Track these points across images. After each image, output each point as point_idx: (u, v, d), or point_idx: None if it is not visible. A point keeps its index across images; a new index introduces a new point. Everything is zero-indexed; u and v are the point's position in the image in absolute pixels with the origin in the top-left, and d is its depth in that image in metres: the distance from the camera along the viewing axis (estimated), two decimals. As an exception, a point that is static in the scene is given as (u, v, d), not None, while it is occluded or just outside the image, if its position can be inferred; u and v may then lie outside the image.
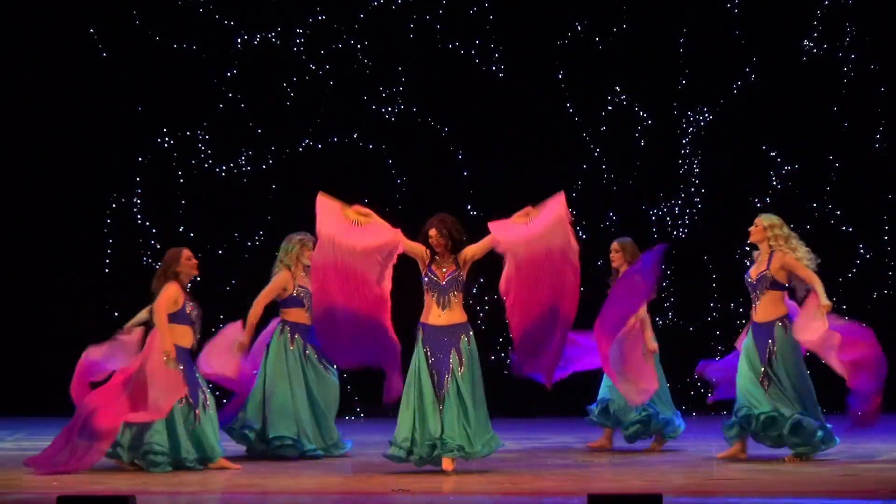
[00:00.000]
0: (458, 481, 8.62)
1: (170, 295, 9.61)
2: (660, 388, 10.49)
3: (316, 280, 9.02)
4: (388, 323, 8.95)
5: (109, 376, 9.74)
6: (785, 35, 14.87)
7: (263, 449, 10.30)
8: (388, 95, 15.03)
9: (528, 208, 9.15)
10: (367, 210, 9.12)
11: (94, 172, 14.90)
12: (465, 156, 14.96)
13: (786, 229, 9.91)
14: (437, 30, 15.01)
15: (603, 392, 10.84)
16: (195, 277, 9.96)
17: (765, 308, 9.87)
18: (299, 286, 10.46)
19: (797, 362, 9.80)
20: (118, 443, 9.37)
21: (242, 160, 15.02)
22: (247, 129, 14.98)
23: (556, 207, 9.04)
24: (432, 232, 9.15)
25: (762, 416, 9.65)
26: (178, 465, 9.39)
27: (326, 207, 9.02)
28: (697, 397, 14.25)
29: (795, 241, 9.89)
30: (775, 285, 9.85)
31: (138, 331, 9.87)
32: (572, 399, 12.82)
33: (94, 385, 9.82)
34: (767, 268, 9.85)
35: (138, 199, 14.95)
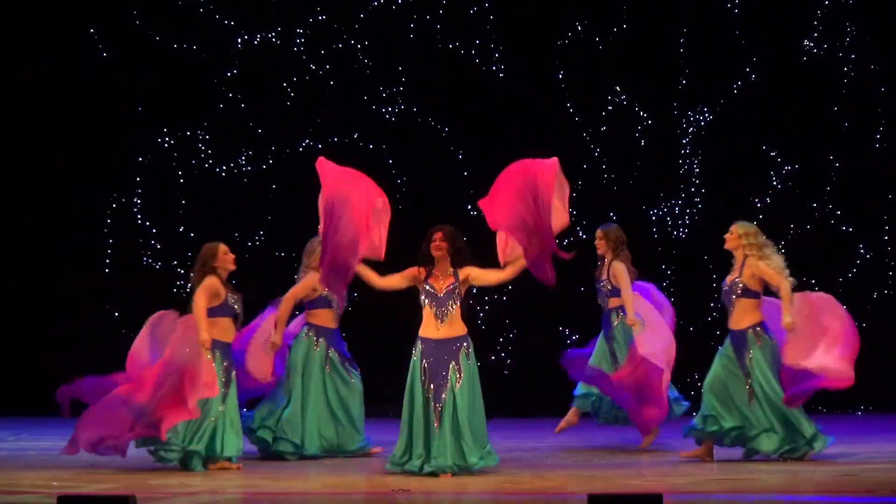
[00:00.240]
0: (458, 481, 8.62)
1: (208, 286, 9.58)
2: None
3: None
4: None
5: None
6: (785, 35, 14.86)
7: (273, 450, 10.32)
8: (388, 95, 15.03)
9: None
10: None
11: (94, 172, 14.90)
12: (465, 156, 14.96)
13: (761, 237, 9.89)
14: (437, 30, 15.01)
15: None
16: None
17: (738, 315, 9.86)
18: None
19: (774, 368, 9.75)
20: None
21: (242, 160, 15.02)
22: (247, 129, 14.98)
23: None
24: (437, 235, 9.08)
25: (733, 433, 9.70)
26: (184, 459, 9.39)
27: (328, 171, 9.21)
28: (697, 397, 14.22)
29: (769, 250, 9.87)
30: (747, 293, 9.82)
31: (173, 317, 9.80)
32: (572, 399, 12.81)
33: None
34: (740, 275, 9.84)
35: (138, 199, 14.96)
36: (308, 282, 10.41)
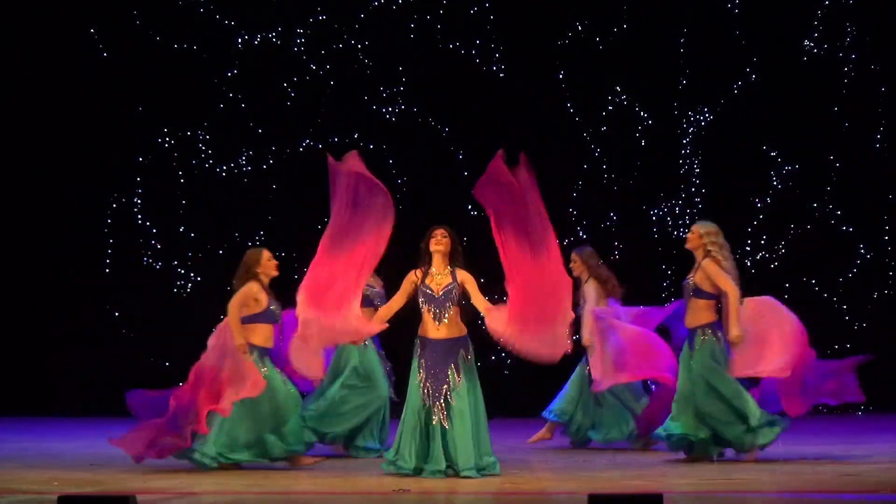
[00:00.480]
0: (457, 482, 8.61)
1: (246, 293, 9.54)
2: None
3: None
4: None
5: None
6: (785, 35, 14.87)
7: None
8: (388, 95, 15.03)
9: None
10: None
11: (94, 172, 14.91)
12: (465, 156, 14.96)
13: (721, 238, 9.86)
14: (437, 30, 15.02)
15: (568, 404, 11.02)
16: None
17: (692, 315, 9.82)
18: (369, 286, 10.41)
19: (715, 370, 9.71)
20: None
21: (242, 160, 15.03)
22: (247, 129, 14.99)
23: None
24: (439, 231, 9.00)
25: (699, 444, 9.68)
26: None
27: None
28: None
29: (727, 252, 9.84)
30: (699, 293, 9.77)
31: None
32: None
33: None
34: (695, 275, 9.82)
35: (138, 199, 14.96)
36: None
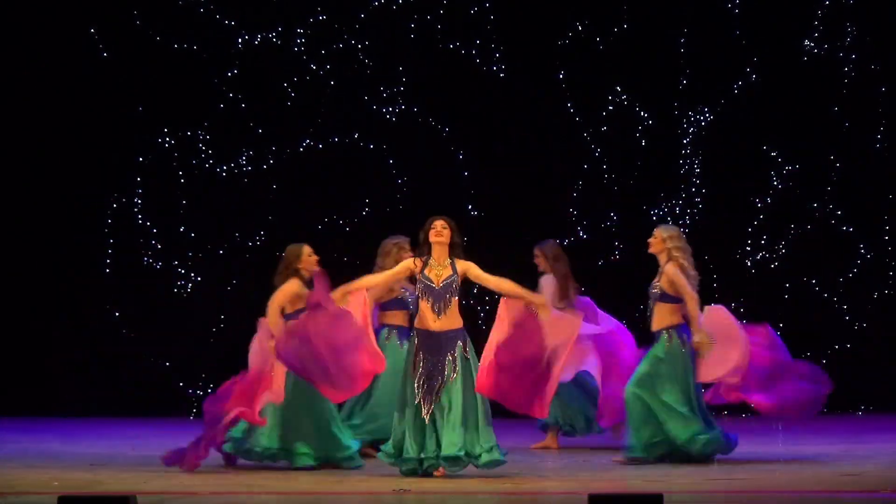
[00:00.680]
0: (457, 482, 8.61)
1: (287, 291, 9.44)
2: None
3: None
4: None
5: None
6: (785, 35, 14.86)
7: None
8: (388, 95, 15.03)
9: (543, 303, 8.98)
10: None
11: (94, 172, 14.90)
12: (465, 156, 14.96)
13: (683, 242, 9.88)
14: (438, 30, 15.01)
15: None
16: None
17: (657, 318, 9.83)
18: (402, 288, 10.37)
19: (673, 374, 9.68)
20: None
21: (242, 160, 15.02)
22: (247, 129, 14.98)
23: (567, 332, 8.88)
24: (439, 222, 8.87)
25: (680, 451, 9.64)
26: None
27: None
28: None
29: (689, 256, 9.86)
30: (664, 297, 9.78)
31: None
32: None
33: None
34: (659, 279, 9.82)
35: (138, 199, 14.96)
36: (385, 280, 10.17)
